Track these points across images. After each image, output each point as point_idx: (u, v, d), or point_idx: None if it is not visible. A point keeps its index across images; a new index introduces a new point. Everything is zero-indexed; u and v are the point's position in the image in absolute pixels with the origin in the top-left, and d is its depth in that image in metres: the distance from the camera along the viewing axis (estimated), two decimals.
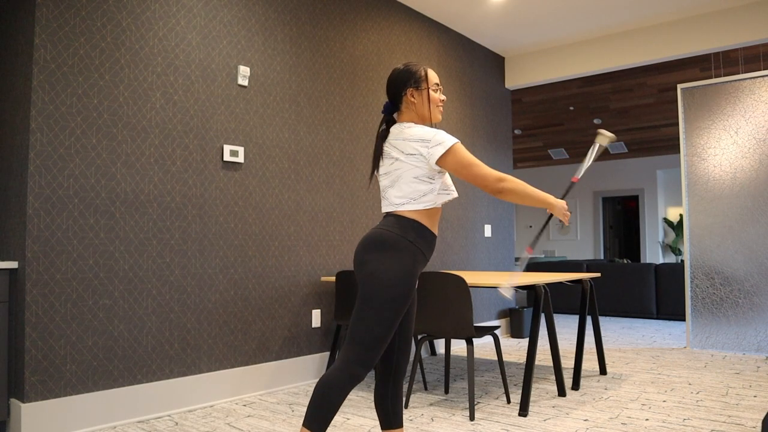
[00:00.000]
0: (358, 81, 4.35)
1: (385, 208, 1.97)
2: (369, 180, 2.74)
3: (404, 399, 3.34)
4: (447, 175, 2.00)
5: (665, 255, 10.61)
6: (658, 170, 10.52)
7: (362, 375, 1.82)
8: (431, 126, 2.04)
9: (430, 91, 2.00)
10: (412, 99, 1.98)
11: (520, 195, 1.90)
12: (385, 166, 1.97)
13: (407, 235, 1.87)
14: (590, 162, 2.27)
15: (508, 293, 2.20)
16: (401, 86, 1.99)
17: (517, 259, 9.34)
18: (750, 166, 4.83)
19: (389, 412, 2.01)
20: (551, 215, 2.11)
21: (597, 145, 2.34)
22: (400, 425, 2.02)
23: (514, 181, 1.89)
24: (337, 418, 3.00)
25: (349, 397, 3.46)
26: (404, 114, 2.01)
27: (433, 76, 2.02)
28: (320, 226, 4.00)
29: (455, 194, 2.01)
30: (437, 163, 1.88)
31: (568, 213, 2.03)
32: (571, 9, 4.92)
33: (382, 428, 2.05)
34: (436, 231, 1.97)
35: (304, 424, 1.78)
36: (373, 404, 3.29)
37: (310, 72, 3.98)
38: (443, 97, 2.05)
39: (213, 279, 3.34)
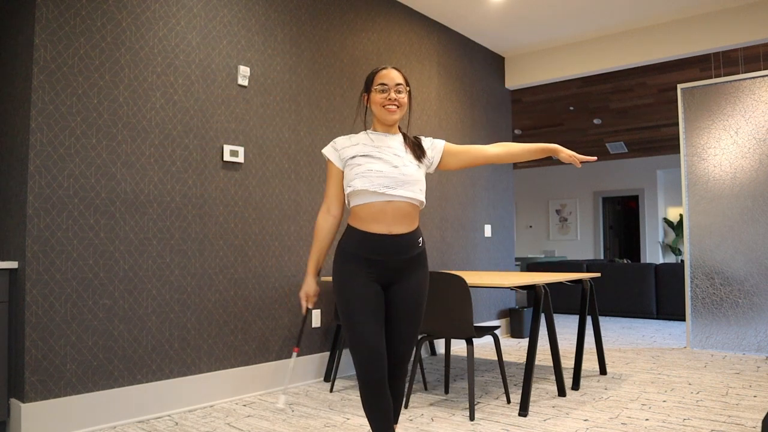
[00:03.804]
0: (358, 81, 4.35)
1: None
2: None
3: (404, 399, 3.34)
4: (350, 169, 2.01)
5: (665, 255, 10.61)
6: (658, 170, 10.52)
7: (364, 377, 1.88)
8: (372, 127, 2.13)
9: (373, 92, 2.02)
10: (367, 104, 2.08)
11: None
12: None
13: (340, 241, 2.04)
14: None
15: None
16: (361, 93, 2.09)
17: (519, 262, 9.34)
18: (750, 166, 4.82)
19: None
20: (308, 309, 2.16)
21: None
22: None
23: (316, 229, 2.13)
24: (337, 418, 3.00)
25: (349, 396, 3.47)
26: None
27: (380, 77, 2.00)
28: None
29: (357, 186, 1.96)
30: None
31: (307, 296, 2.12)
32: (571, 9, 4.92)
33: None
34: (370, 228, 1.95)
35: None
36: None
37: (310, 72, 3.98)
38: (392, 96, 1.99)
39: (213, 279, 3.34)
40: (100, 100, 2.90)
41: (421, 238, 2.03)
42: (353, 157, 1.99)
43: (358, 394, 3.51)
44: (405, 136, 2.09)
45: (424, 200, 2.02)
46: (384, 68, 2.02)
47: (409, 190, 1.96)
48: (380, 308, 1.94)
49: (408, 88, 2.05)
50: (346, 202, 2.05)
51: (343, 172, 2.05)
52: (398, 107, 2.00)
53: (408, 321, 1.99)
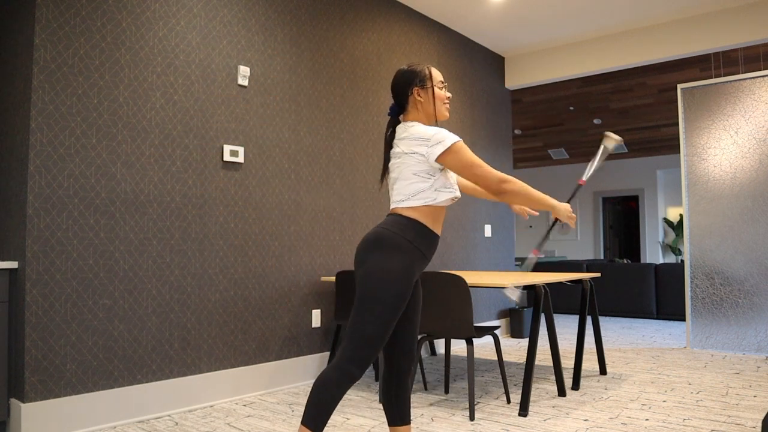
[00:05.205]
0: (358, 81, 4.35)
1: (391, 206, 2.01)
2: (380, 183, 2.63)
3: None
4: (449, 173, 1.99)
5: (665, 255, 10.61)
6: (658, 170, 10.52)
7: (357, 374, 1.83)
8: (436, 124, 2.06)
9: (436, 89, 2.02)
10: (419, 98, 2.00)
11: (522, 197, 1.91)
12: (392, 163, 2.01)
13: (405, 234, 1.88)
14: (597, 164, 2.28)
15: (513, 295, 2.18)
16: (407, 86, 2.01)
17: (520, 261, 9.34)
18: (750, 166, 4.83)
19: (394, 412, 2.02)
20: (557, 219, 2.09)
21: (603, 147, 2.36)
22: (404, 423, 2.03)
23: (516, 183, 1.90)
24: (337, 418, 3.00)
25: (349, 397, 3.46)
26: (410, 114, 2.03)
27: (437, 74, 2.05)
28: (320, 226, 4.00)
29: (458, 193, 1.98)
30: (438, 161, 1.89)
31: (573, 216, 2.03)
32: (571, 9, 4.92)
33: (388, 425, 2.06)
34: (438, 231, 1.97)
35: (302, 422, 1.80)
36: (372, 404, 3.29)
37: (310, 72, 3.98)
38: (449, 95, 2.07)
39: (213, 279, 3.34)
40: (100, 100, 2.90)
41: None
42: None
43: (358, 395, 3.51)
44: None
45: None
46: (432, 67, 2.08)
47: None
48: None
49: None
50: (431, 198, 1.93)
51: None
52: None
53: (418, 316, 2.05)
